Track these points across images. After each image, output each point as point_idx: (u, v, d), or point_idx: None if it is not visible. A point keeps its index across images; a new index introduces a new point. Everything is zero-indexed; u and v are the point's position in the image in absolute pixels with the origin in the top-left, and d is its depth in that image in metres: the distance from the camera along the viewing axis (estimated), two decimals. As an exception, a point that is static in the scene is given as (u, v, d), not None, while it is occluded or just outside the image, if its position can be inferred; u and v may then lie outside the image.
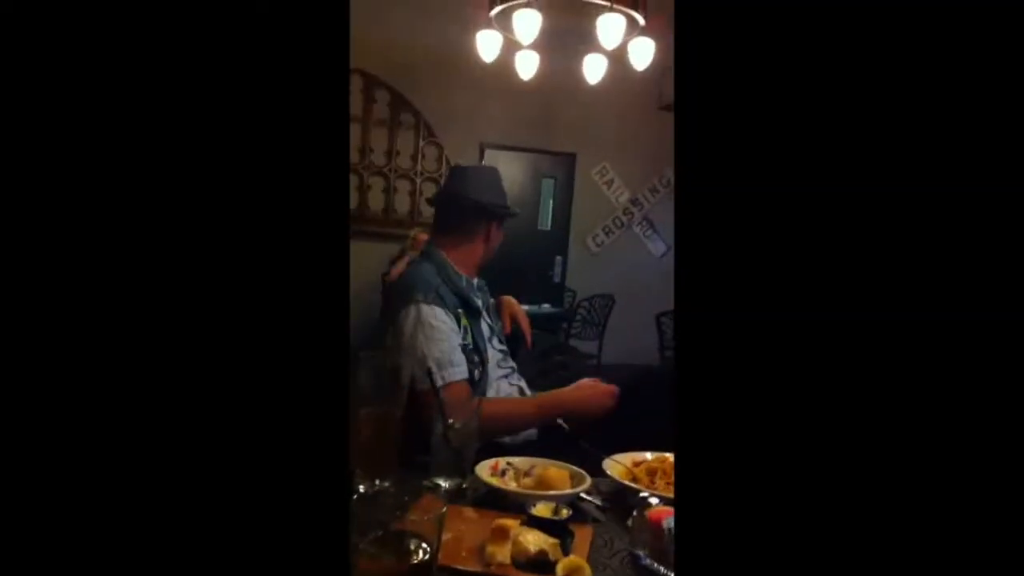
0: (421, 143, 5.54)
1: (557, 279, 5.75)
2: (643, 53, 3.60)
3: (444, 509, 0.64)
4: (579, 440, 1.22)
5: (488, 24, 3.67)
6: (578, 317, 5.11)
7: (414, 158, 5.55)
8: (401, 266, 3.28)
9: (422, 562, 0.61)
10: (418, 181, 5.57)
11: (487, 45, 3.68)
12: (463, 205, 1.61)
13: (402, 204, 5.53)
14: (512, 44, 3.76)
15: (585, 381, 1.51)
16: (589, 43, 3.73)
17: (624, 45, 3.54)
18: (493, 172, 1.71)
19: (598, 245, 5.90)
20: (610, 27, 3.30)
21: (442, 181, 5.47)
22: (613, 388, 1.47)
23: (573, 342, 4.89)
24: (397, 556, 0.61)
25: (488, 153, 5.72)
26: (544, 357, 2.06)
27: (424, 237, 4.20)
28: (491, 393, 1.57)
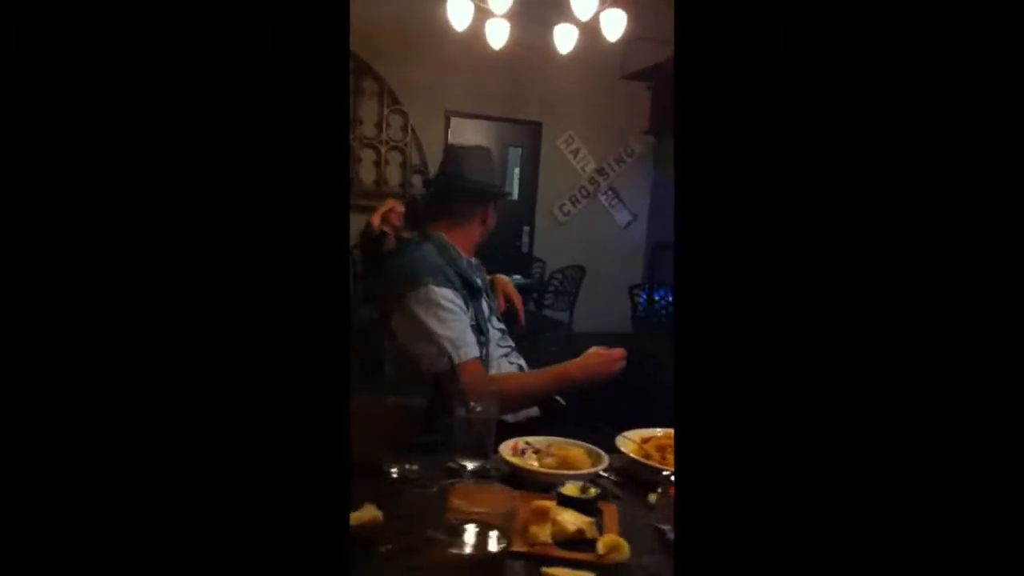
0: (385, 111, 5.45)
1: (525, 249, 5.78)
2: (615, 24, 3.61)
3: (516, 503, 0.68)
4: (597, 423, 1.26)
5: (459, -8, 3.61)
6: (551, 288, 5.17)
7: (378, 126, 5.46)
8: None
9: (496, 553, 0.65)
10: (383, 150, 5.49)
11: (458, 13, 3.63)
12: (461, 187, 1.62)
13: (368, 173, 5.45)
14: (481, 12, 3.71)
15: (593, 349, 1.53)
16: (561, 13, 3.71)
17: (595, 16, 3.54)
18: (487, 152, 1.72)
19: (565, 215, 5.94)
20: (584, -2, 3.30)
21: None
22: (620, 351, 1.50)
23: (546, 313, 4.96)
24: (470, 547, 0.65)
25: (454, 122, 5.67)
26: (536, 333, 2.10)
27: (401, 210, 4.16)
28: (492, 371, 1.60)
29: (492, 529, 0.65)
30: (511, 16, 3.74)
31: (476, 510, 0.68)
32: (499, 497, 0.70)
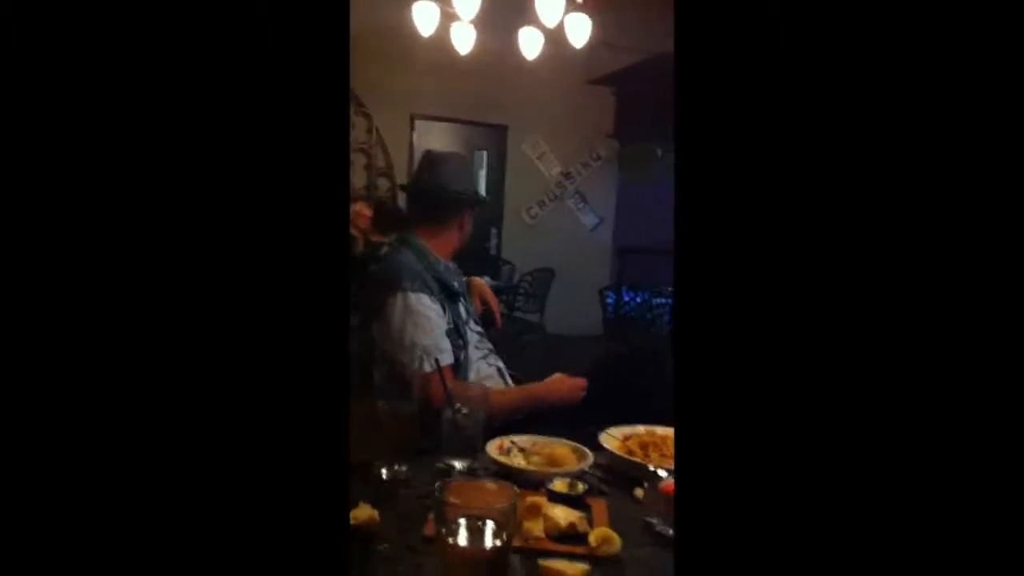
0: (350, 114, 5.42)
1: (493, 251, 5.81)
2: (580, 29, 3.65)
3: (516, 497, 0.70)
4: (588, 425, 1.29)
5: (425, -4, 3.63)
6: (521, 290, 5.22)
7: (343, 130, 5.43)
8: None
9: (500, 546, 0.67)
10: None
11: (424, 18, 3.64)
12: (439, 194, 1.64)
13: (333, 178, 5.42)
14: (447, 16, 3.73)
15: (557, 376, 1.61)
16: (526, 17, 3.75)
17: (560, 21, 3.58)
18: (464, 159, 1.75)
19: (532, 217, 5.99)
20: (550, 3, 3.34)
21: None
22: (582, 382, 1.58)
23: (516, 315, 4.99)
24: (475, 541, 0.67)
25: (419, 124, 5.67)
26: (519, 336, 2.13)
27: (368, 213, 4.15)
28: (472, 374, 1.63)
29: (494, 523, 0.67)
30: (477, 21, 3.76)
31: (477, 505, 0.70)
32: (497, 492, 0.72)
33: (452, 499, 0.69)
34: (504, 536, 0.67)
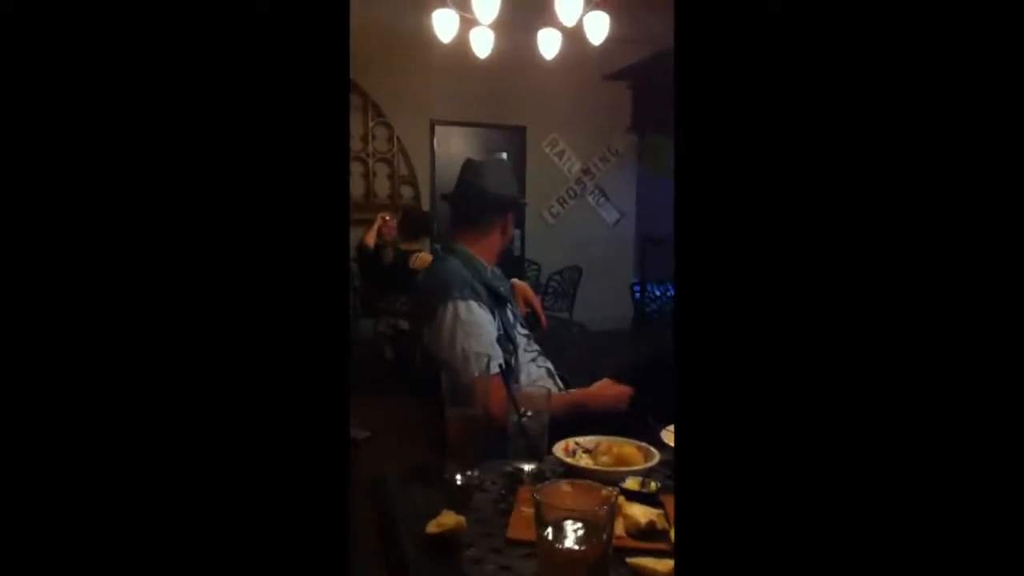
0: (371, 124, 5.48)
1: (517, 252, 5.83)
2: (598, 27, 3.66)
3: (614, 498, 0.72)
4: (646, 416, 1.32)
5: (443, 3, 3.66)
6: (550, 290, 5.23)
7: (364, 139, 5.49)
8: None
9: (603, 546, 0.69)
10: (370, 162, 5.52)
11: (444, 25, 3.67)
12: (482, 200, 1.66)
13: (356, 187, 5.47)
14: (465, 22, 3.76)
15: (604, 382, 1.63)
16: (542, 18, 3.77)
17: (578, 20, 3.59)
18: (504, 164, 1.77)
19: (554, 216, 6.00)
20: (569, 3, 3.35)
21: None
22: (628, 390, 1.60)
23: (547, 314, 5.01)
24: (580, 542, 0.69)
25: (439, 130, 5.71)
26: (560, 334, 2.15)
27: (394, 222, 4.20)
28: (523, 377, 1.65)
29: (594, 523, 0.69)
30: (494, 24, 3.78)
31: (572, 507, 0.72)
32: (591, 493, 0.74)
33: (553, 502, 0.71)
34: (605, 536, 0.69)
